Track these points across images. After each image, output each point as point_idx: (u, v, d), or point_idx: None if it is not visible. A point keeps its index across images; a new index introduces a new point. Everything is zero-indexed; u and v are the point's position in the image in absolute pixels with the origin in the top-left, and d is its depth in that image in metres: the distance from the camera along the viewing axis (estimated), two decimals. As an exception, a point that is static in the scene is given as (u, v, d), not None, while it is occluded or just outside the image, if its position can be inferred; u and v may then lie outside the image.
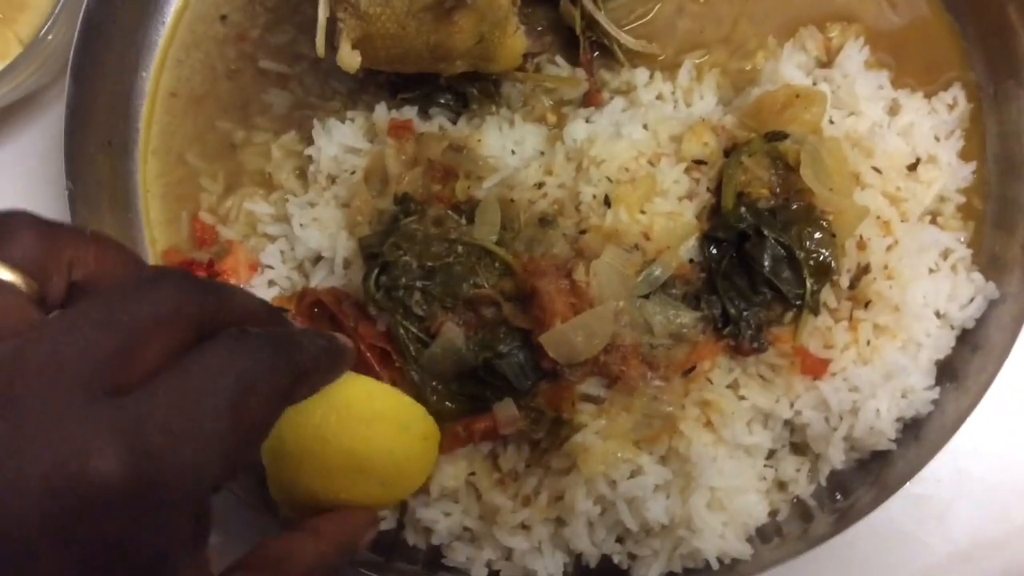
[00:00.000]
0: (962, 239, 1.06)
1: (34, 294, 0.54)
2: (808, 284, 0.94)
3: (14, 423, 0.46)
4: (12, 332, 0.50)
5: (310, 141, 1.09)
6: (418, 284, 0.96)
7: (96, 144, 1.06)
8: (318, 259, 1.05)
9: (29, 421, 0.46)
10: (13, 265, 0.53)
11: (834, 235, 0.95)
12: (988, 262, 1.06)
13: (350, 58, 0.95)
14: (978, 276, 1.03)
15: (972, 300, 1.03)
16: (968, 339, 1.03)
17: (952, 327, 1.02)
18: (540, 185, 1.00)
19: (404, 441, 0.88)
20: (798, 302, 0.94)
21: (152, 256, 1.09)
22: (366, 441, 0.86)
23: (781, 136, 0.98)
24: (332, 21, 0.96)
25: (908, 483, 0.97)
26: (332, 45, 0.97)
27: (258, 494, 0.97)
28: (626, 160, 0.99)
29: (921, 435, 1.00)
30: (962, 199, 1.07)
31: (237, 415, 0.52)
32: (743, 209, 0.96)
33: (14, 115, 1.14)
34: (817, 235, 0.95)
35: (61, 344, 0.49)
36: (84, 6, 1.03)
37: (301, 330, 0.81)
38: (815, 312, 0.95)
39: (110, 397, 0.48)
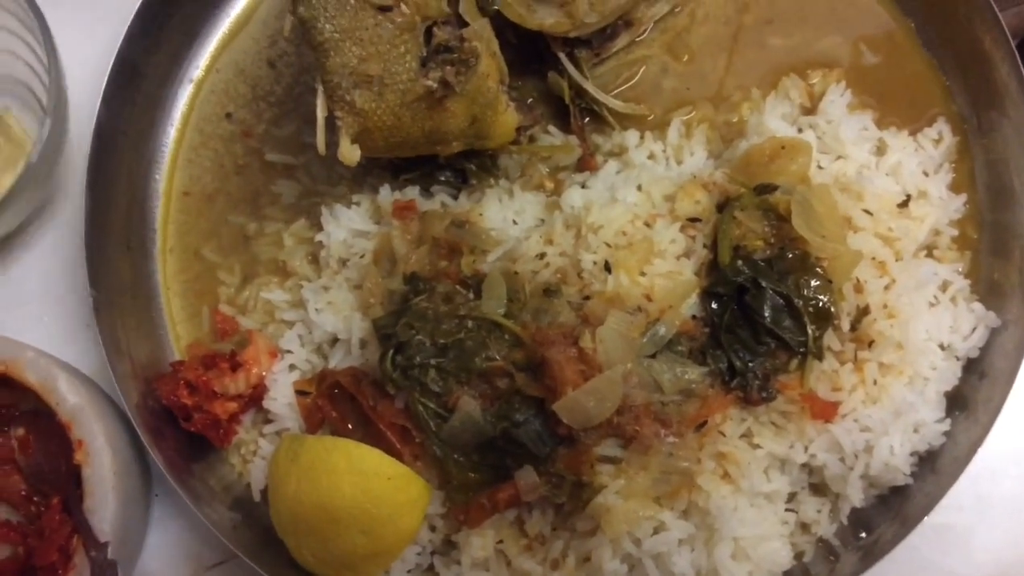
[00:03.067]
0: (959, 270, 1.08)
1: None
2: (810, 330, 0.96)
3: None
4: None
5: (320, 227, 1.13)
6: (432, 361, 0.99)
7: (116, 248, 1.10)
8: (335, 341, 1.09)
9: None
10: None
11: (831, 281, 0.97)
12: (987, 290, 1.08)
13: (350, 152, 1.00)
14: (978, 306, 1.05)
15: (974, 330, 1.05)
16: (974, 368, 1.05)
17: (957, 358, 1.04)
18: (542, 255, 1.03)
19: (367, 485, 0.95)
20: (802, 349, 0.96)
21: (177, 351, 1.13)
22: (332, 493, 0.95)
23: (771, 188, 1.01)
24: (331, 118, 1.00)
25: (929, 514, 0.99)
26: (334, 139, 1.01)
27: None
28: (623, 224, 1.03)
29: (937, 467, 1.02)
30: (956, 231, 1.09)
31: None
32: (740, 262, 0.98)
33: (34, 226, 1.18)
34: (814, 282, 0.97)
35: None
36: (95, 119, 1.08)
37: None
38: (819, 357, 0.97)
39: None
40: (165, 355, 1.13)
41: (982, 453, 1.00)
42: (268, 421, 1.09)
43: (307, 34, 0.97)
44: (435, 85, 0.98)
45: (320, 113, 0.99)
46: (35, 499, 1.04)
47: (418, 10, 0.98)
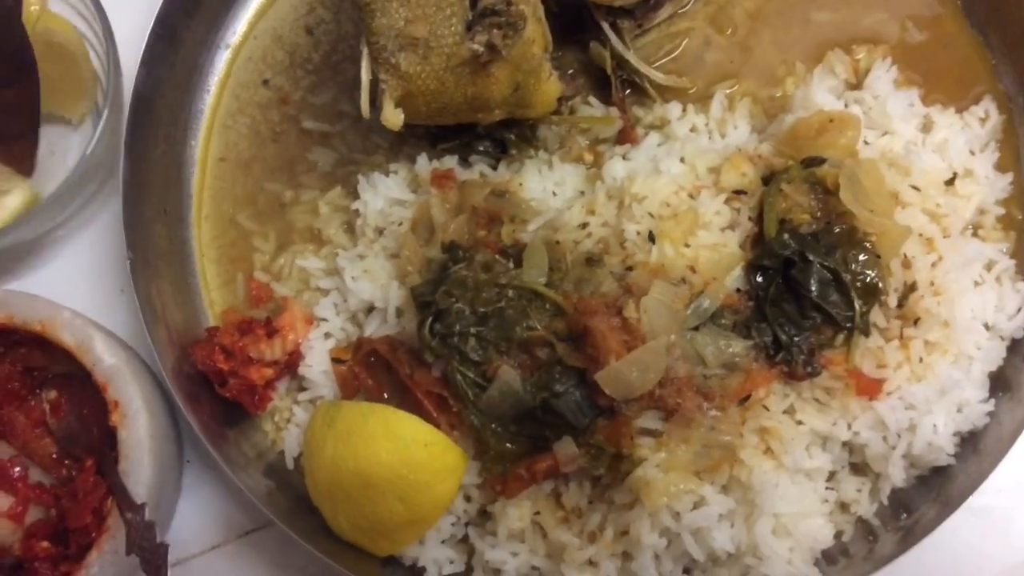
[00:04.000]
0: (1004, 250, 1.06)
1: None
2: (857, 306, 0.95)
3: None
4: None
5: (356, 195, 1.12)
6: (472, 330, 0.98)
7: (152, 213, 1.09)
8: (371, 309, 1.08)
9: None
10: None
11: (879, 256, 0.96)
12: (1033, 271, 1.06)
13: (394, 116, 0.98)
14: (1023, 285, 1.04)
15: (1019, 310, 1.03)
16: (1018, 349, 1.03)
17: (1002, 338, 1.03)
18: (584, 225, 1.02)
19: (405, 451, 0.94)
20: (848, 324, 0.95)
21: (212, 318, 1.12)
22: (368, 459, 0.94)
23: (818, 161, 1.00)
24: (374, 82, 0.99)
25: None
26: (376, 105, 1.00)
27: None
28: (667, 195, 1.01)
29: (980, 448, 1.00)
30: (1002, 210, 1.08)
31: None
32: (786, 236, 0.97)
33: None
34: (862, 257, 0.96)
35: None
36: (133, 84, 1.07)
37: None
38: (866, 333, 0.96)
39: None
40: (200, 321, 1.12)
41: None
42: (303, 389, 1.08)
43: (353, -5, 0.96)
44: (481, 48, 0.97)
45: (365, 75, 0.98)
46: (66, 462, 1.03)
47: (465, -27, 0.97)
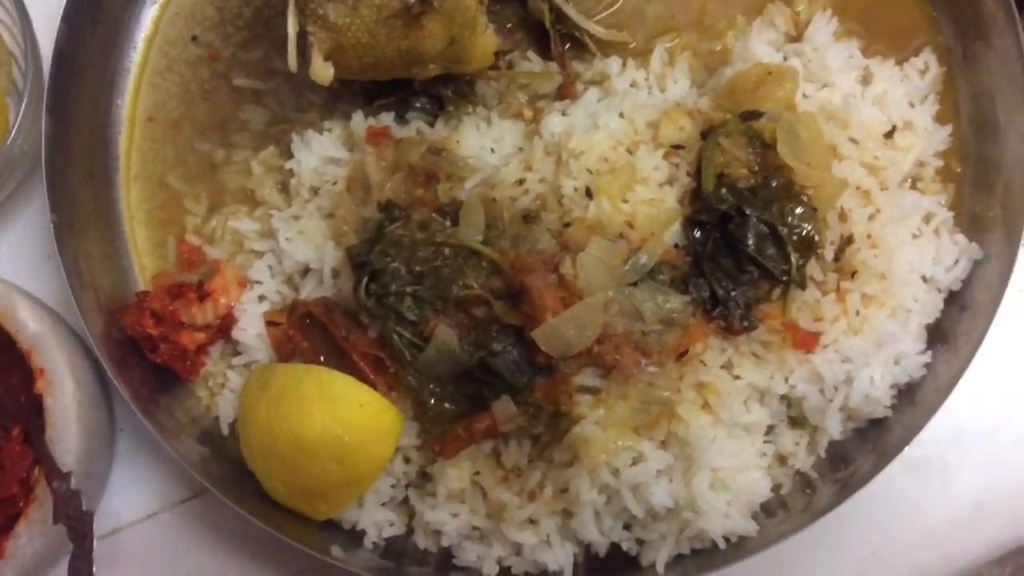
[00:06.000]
0: (943, 202, 1.07)
1: None
2: (793, 259, 0.95)
3: None
4: None
5: (290, 155, 1.09)
6: (408, 289, 0.96)
7: (77, 175, 1.06)
8: (306, 271, 1.06)
9: None
10: None
11: (815, 209, 0.96)
12: (970, 223, 1.07)
13: (323, 70, 0.96)
14: (961, 238, 1.04)
15: (957, 262, 1.04)
16: (955, 301, 1.04)
17: (939, 290, 1.03)
18: (521, 182, 1.01)
19: (340, 412, 0.93)
20: (784, 278, 0.95)
21: (143, 282, 1.10)
22: (303, 421, 0.92)
23: (756, 115, 0.99)
24: (303, 35, 0.96)
25: (907, 447, 0.99)
26: (305, 59, 0.97)
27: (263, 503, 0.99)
28: (605, 150, 1.00)
29: (916, 399, 1.01)
30: (940, 163, 1.08)
31: None
32: (724, 190, 0.96)
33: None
34: (799, 210, 0.95)
35: None
36: (54, 40, 1.03)
37: None
38: (802, 286, 0.96)
39: None
40: (130, 286, 1.09)
41: (961, 388, 0.99)
42: (237, 353, 1.06)
43: (277, -56, 0.93)
44: (413, 0, 0.94)
45: (292, 29, 0.95)
46: (-7, 431, 1.00)
47: (394, -78, 0.94)
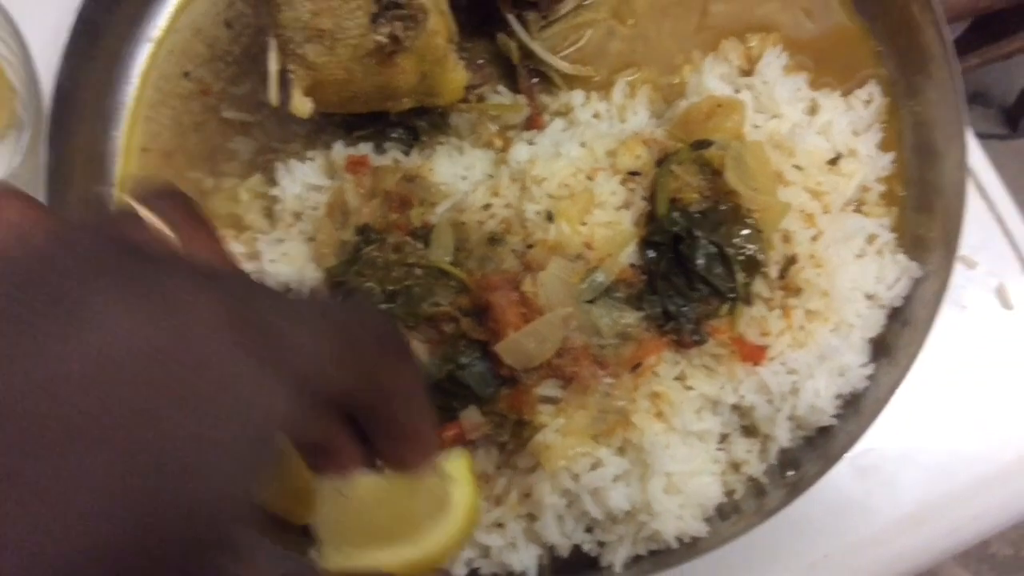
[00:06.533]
0: (886, 224, 1.13)
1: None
2: (739, 278, 1.02)
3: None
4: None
5: (274, 182, 1.16)
6: (382, 307, 1.03)
7: (76, 204, 1.13)
8: (287, 290, 1.13)
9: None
10: (166, 220, 0.51)
11: (760, 231, 1.03)
12: (911, 243, 1.13)
13: (302, 105, 1.03)
14: (902, 257, 1.11)
15: (898, 280, 1.10)
16: (898, 316, 1.11)
17: (881, 306, 1.10)
18: (488, 207, 1.08)
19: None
20: (732, 295, 1.02)
21: (136, 301, 1.16)
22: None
23: (707, 144, 1.06)
24: (284, 72, 1.04)
25: (855, 455, 1.05)
26: (286, 94, 1.05)
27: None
28: (565, 177, 1.07)
29: (860, 408, 1.07)
30: (883, 187, 1.15)
31: (349, 361, 0.51)
32: (676, 214, 1.03)
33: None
34: (744, 232, 1.02)
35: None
36: (56, 75, 1.10)
37: None
38: (748, 303, 1.02)
39: None
40: (124, 305, 1.16)
41: (904, 398, 1.05)
42: (224, 368, 1.13)
43: (260, -11, 1.01)
44: (385, 40, 1.02)
45: (272, 66, 1.02)
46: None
47: (368, -32, 1.01)
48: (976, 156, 1.19)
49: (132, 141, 1.21)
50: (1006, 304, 1.15)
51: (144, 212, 0.50)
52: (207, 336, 0.40)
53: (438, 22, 1.06)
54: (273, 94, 1.03)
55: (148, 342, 0.38)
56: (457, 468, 0.74)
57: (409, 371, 0.58)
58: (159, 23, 1.24)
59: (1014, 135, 2.82)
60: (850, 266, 1.07)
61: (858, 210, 1.14)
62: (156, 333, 0.39)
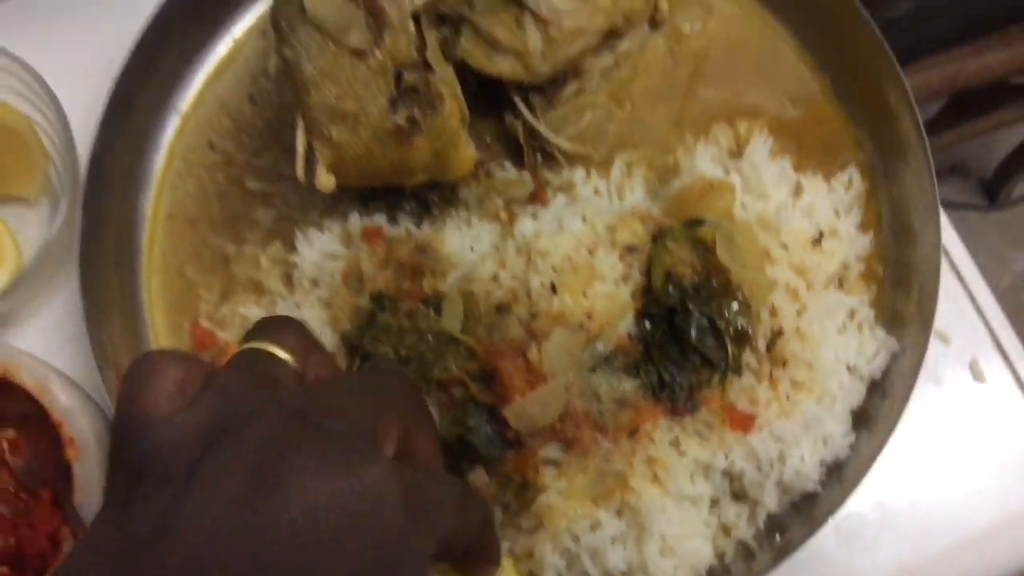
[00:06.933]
0: (866, 300, 1.21)
1: (298, 374, 0.65)
2: (730, 349, 1.09)
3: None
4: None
5: (294, 249, 1.23)
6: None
7: (106, 266, 1.19)
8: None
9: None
10: (287, 350, 0.64)
11: (749, 305, 1.10)
12: (889, 318, 1.21)
13: (327, 181, 1.11)
14: (881, 332, 1.19)
15: (877, 353, 1.18)
16: (876, 388, 1.18)
17: (861, 378, 1.17)
18: (495, 277, 1.15)
19: None
20: (723, 366, 1.09)
21: (158, 361, 1.22)
22: None
23: (699, 223, 1.14)
24: (309, 150, 1.12)
25: (837, 519, 1.10)
26: (310, 168, 1.12)
27: None
28: (568, 251, 1.15)
29: (843, 475, 1.14)
30: (863, 266, 1.23)
31: (457, 514, 0.60)
32: (671, 287, 1.11)
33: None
34: (735, 306, 1.10)
35: (336, 397, 0.59)
36: (91, 146, 1.18)
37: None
38: (738, 373, 1.09)
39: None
40: (147, 364, 1.22)
41: (882, 465, 1.11)
42: (242, 426, 1.18)
43: (290, 73, 1.09)
44: (404, 123, 1.10)
45: (300, 145, 1.10)
46: (22, 496, 1.12)
47: (390, 56, 1.10)
48: (949, 236, 1.28)
49: (159, 208, 1.28)
50: (978, 378, 1.23)
51: (275, 349, 0.62)
52: (382, 499, 0.52)
53: (452, 106, 1.14)
54: (300, 171, 1.11)
55: (341, 505, 0.50)
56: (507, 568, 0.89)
57: (483, 505, 0.69)
58: (187, 97, 1.31)
59: (992, 206, 2.94)
60: (832, 340, 1.15)
61: (840, 286, 1.22)
62: (345, 499, 0.51)
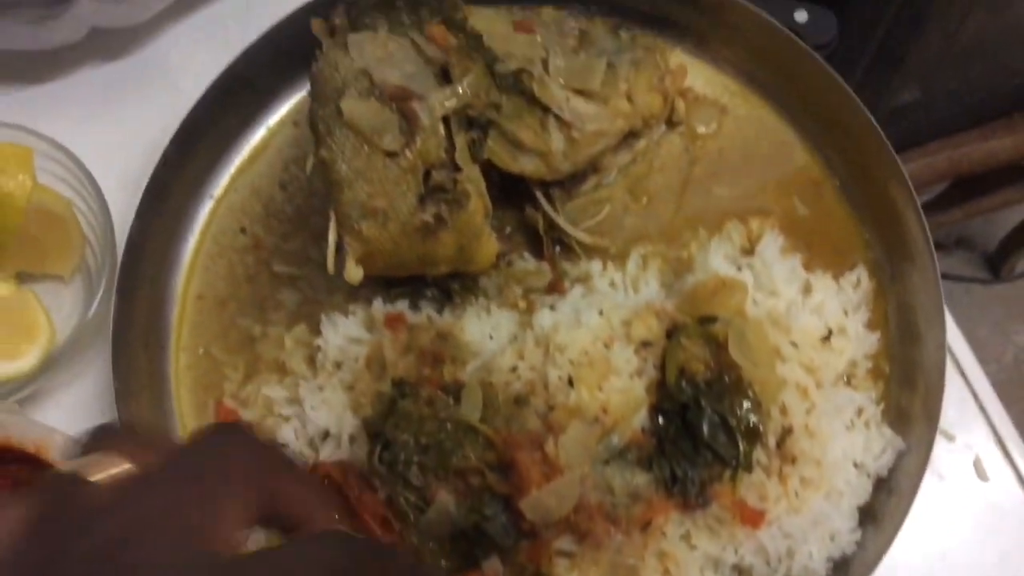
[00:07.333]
0: (873, 398, 1.25)
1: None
2: (741, 446, 1.12)
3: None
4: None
5: (318, 332, 1.27)
6: (415, 459, 1.13)
7: (137, 345, 1.23)
8: (326, 435, 1.22)
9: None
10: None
11: (760, 403, 1.14)
12: (896, 416, 1.24)
13: (356, 273, 1.16)
14: (887, 430, 1.22)
15: (884, 451, 1.21)
16: (883, 486, 1.20)
17: (868, 475, 1.20)
18: (514, 369, 1.19)
19: None
20: (734, 462, 1.12)
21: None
22: None
23: (712, 320, 1.18)
24: (339, 243, 1.16)
25: (845, 614, 1.13)
26: (341, 262, 1.17)
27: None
28: (585, 345, 1.19)
29: (850, 572, 1.16)
30: (870, 363, 1.27)
31: None
32: (684, 383, 1.14)
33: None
34: (746, 404, 1.13)
35: (148, 507, 0.53)
36: (128, 231, 1.23)
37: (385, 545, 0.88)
38: (749, 470, 1.12)
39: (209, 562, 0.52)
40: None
41: (888, 561, 1.14)
42: (263, 506, 1.21)
43: (325, 172, 1.14)
44: (431, 220, 1.15)
45: (332, 238, 1.15)
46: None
47: (420, 156, 1.15)
48: (954, 335, 1.31)
49: (189, 289, 1.32)
50: (982, 476, 1.26)
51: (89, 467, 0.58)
52: None
53: (477, 203, 1.19)
54: (331, 264, 1.15)
55: None
56: None
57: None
58: (221, 182, 1.37)
59: (996, 280, 2.99)
60: (840, 437, 1.18)
61: (848, 384, 1.25)
62: None
